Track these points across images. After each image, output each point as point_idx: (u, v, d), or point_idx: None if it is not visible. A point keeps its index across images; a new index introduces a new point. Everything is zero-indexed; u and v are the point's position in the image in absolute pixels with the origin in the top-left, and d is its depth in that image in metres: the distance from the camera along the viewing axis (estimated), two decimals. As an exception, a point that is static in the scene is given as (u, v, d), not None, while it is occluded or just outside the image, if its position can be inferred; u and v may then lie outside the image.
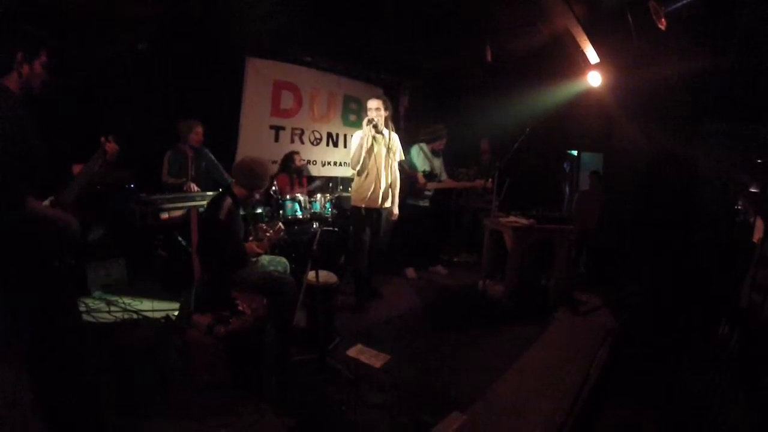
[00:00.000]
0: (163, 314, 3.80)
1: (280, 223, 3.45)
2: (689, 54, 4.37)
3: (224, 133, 5.22)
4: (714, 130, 5.10)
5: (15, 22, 1.96)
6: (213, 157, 4.73)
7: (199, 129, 4.55)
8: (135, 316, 3.82)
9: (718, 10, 3.86)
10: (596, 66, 5.01)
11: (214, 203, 3.07)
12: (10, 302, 1.82)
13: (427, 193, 5.24)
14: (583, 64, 5.06)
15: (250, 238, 3.32)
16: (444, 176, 5.40)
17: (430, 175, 5.18)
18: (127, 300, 4.14)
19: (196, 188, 4.35)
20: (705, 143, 5.17)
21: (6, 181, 1.66)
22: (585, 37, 4.50)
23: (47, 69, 1.96)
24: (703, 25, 4.05)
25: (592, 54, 4.82)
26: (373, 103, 4.14)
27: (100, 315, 3.77)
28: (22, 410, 2.01)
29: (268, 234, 3.30)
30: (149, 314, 3.83)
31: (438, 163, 5.32)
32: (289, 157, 5.34)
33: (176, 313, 3.69)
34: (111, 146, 2.28)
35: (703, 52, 4.31)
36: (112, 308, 3.94)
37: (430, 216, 5.37)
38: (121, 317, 3.77)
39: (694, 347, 3.62)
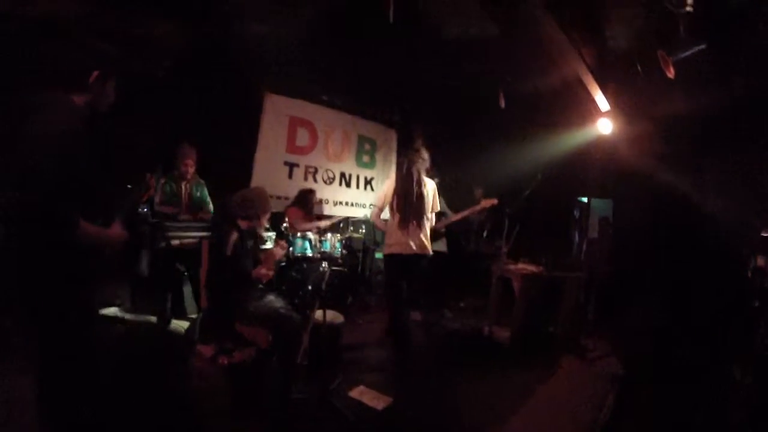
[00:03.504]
0: (166, 341, 3.78)
1: (283, 241, 3.43)
2: (697, 92, 4.40)
3: (237, 166, 5.28)
4: (722, 164, 5.07)
5: (92, 39, 1.94)
6: (207, 192, 4.59)
7: (189, 161, 4.38)
8: (137, 340, 3.79)
9: (725, 47, 3.89)
10: (606, 113, 5.06)
11: (221, 239, 3.07)
12: (32, 318, 1.77)
13: (441, 231, 5.16)
14: (593, 111, 5.11)
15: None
16: (449, 212, 5.34)
17: (437, 214, 5.16)
18: (130, 321, 4.09)
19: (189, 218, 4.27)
20: (713, 179, 5.13)
21: (54, 201, 1.58)
22: (595, 85, 4.57)
23: (115, 91, 1.95)
24: (710, 63, 4.07)
25: (602, 101, 4.88)
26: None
27: (102, 336, 3.74)
28: (23, 411, 1.96)
29: (273, 254, 3.30)
30: (152, 340, 3.81)
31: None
32: (307, 196, 5.33)
33: (180, 340, 3.66)
34: (153, 182, 2.39)
35: (711, 88, 4.34)
36: (115, 330, 3.92)
37: (443, 260, 5.29)
38: (123, 340, 3.75)
39: (706, 390, 3.52)
